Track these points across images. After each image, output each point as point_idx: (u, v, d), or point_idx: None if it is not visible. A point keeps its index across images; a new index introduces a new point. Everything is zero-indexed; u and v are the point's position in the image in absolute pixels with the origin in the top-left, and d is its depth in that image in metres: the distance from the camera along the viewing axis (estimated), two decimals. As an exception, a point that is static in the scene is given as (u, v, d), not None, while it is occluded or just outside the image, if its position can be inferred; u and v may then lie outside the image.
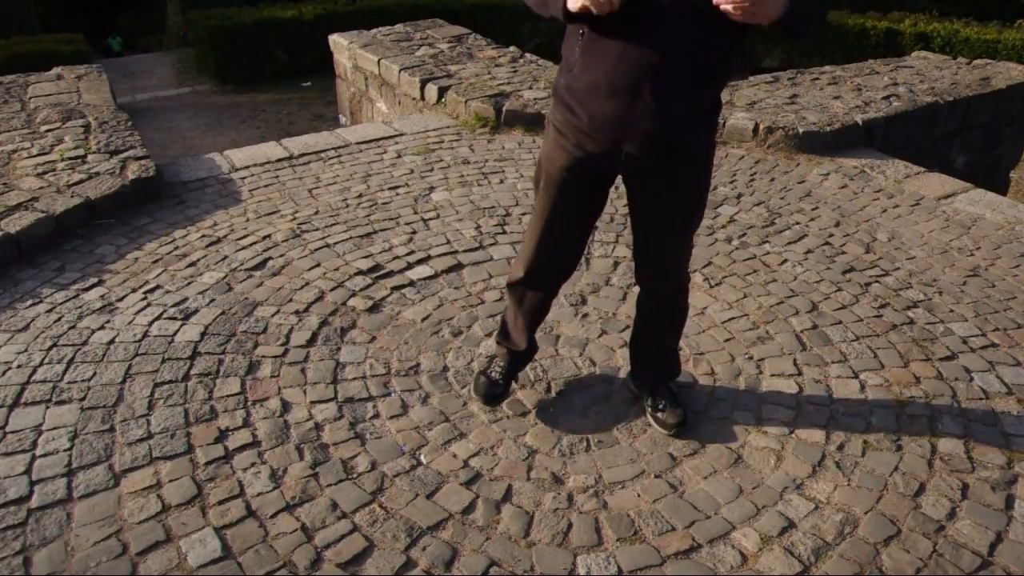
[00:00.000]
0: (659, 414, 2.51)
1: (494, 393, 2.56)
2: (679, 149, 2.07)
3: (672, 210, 2.22)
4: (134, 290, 3.21)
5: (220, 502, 2.19)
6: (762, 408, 2.62)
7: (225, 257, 3.48)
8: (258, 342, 2.88)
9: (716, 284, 3.34)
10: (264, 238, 3.65)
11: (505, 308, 2.60)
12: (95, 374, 2.70)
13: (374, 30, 7.22)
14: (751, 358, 2.87)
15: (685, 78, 1.96)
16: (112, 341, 2.87)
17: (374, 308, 3.13)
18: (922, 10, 13.29)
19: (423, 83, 5.65)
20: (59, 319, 3.01)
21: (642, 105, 1.97)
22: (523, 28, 13.77)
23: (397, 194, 4.16)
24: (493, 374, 2.59)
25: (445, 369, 2.78)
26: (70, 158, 4.27)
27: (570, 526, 2.15)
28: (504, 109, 5.15)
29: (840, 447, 2.45)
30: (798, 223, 3.94)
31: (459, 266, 3.44)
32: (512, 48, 6.59)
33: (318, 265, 3.42)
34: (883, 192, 4.35)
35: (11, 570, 1.97)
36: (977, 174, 5.85)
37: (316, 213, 3.92)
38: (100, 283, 3.27)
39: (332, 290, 3.23)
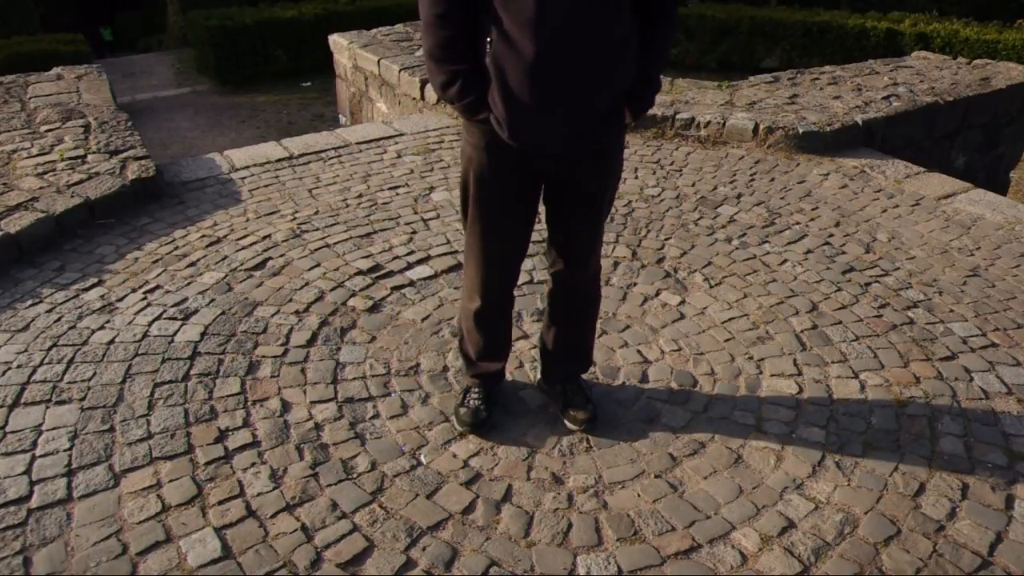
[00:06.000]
0: (570, 411, 2.49)
1: (480, 419, 2.46)
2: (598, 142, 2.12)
3: (590, 201, 2.27)
4: (134, 290, 3.21)
5: (220, 502, 2.19)
6: (762, 408, 2.62)
7: (225, 257, 3.48)
8: (258, 342, 2.88)
9: (716, 284, 3.34)
10: (264, 238, 3.65)
11: (461, 341, 2.52)
12: (95, 374, 2.70)
13: (374, 30, 7.23)
14: (751, 358, 2.87)
15: (593, 66, 1.99)
16: (112, 341, 2.87)
17: (374, 308, 3.13)
18: (922, 10, 13.27)
19: (423, 83, 5.65)
20: (59, 319, 3.01)
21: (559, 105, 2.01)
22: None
23: (397, 194, 4.16)
24: (471, 402, 2.49)
25: (445, 369, 2.78)
26: (70, 158, 4.27)
27: (570, 526, 2.15)
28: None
29: (840, 447, 2.45)
30: (798, 223, 3.94)
31: (459, 266, 3.43)
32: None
33: (318, 265, 3.43)
34: (883, 192, 4.35)
35: (11, 570, 1.97)
36: (977, 174, 5.84)
37: (316, 213, 3.92)
38: (100, 283, 3.27)
39: (332, 290, 3.23)
